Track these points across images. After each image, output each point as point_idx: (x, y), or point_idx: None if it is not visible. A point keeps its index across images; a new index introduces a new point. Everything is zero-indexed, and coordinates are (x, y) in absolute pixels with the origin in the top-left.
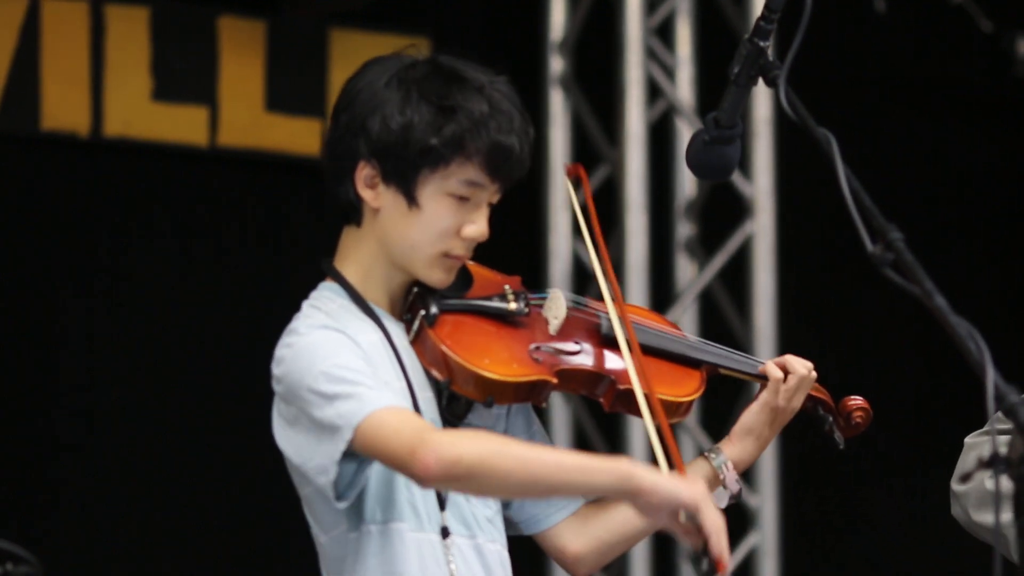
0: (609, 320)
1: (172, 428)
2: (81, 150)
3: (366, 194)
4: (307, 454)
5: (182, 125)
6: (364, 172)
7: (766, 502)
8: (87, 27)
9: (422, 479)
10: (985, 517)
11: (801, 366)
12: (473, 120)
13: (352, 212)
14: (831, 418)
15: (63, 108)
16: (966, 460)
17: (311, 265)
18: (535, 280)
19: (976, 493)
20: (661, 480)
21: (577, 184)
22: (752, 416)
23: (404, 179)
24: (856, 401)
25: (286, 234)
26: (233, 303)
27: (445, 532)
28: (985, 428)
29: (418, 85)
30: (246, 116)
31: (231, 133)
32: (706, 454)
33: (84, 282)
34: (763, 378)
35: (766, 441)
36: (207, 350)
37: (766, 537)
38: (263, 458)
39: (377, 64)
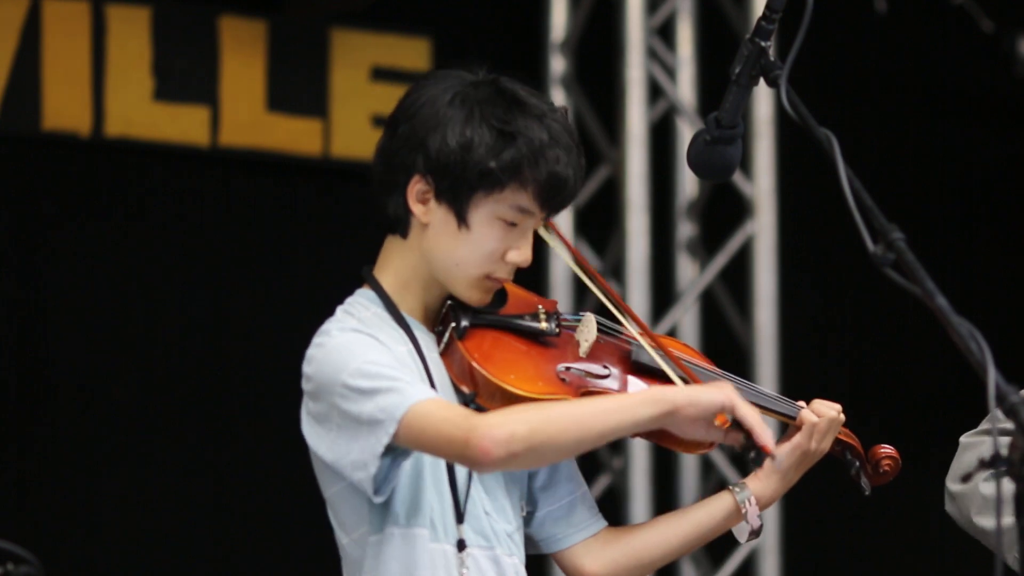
0: (641, 347)
1: (172, 427)
2: (82, 150)
3: (416, 208)
4: (342, 450)
5: (183, 125)
6: (417, 187)
7: None
8: (88, 27)
9: (482, 463)
10: (986, 521)
11: (830, 408)
12: (533, 148)
13: (399, 224)
14: (858, 464)
15: (64, 108)
16: (961, 460)
17: (313, 264)
18: (536, 283)
19: (976, 495)
20: (694, 392)
21: (550, 232)
22: (783, 458)
23: (457, 198)
24: (886, 450)
25: (287, 234)
26: (235, 303)
27: (461, 545)
28: (981, 427)
29: (481, 107)
30: (247, 116)
31: (232, 133)
32: (730, 488)
33: (84, 282)
34: (793, 419)
35: (791, 482)
36: (208, 349)
37: (767, 537)
38: (264, 459)
39: (439, 79)
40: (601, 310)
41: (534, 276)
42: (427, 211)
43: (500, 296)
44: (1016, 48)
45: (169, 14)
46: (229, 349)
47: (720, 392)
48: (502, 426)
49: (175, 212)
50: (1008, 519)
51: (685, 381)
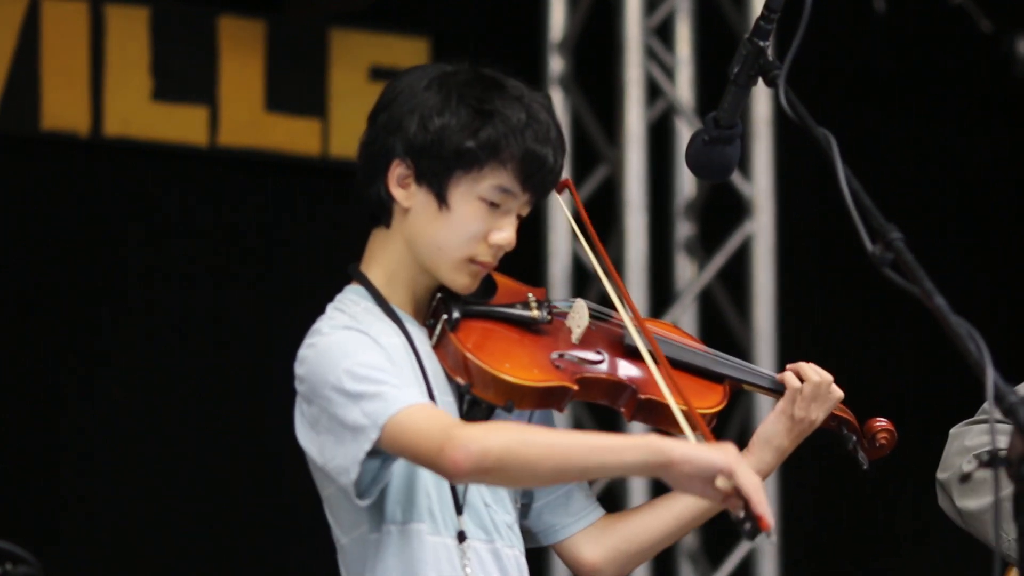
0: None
1: (173, 428)
2: (81, 150)
3: (398, 193)
4: (329, 454)
5: (182, 125)
6: (397, 171)
7: None
8: (87, 27)
9: (452, 475)
10: (967, 503)
11: (815, 374)
12: (510, 126)
13: (382, 212)
14: (855, 438)
15: (63, 108)
16: (950, 449)
17: (311, 264)
18: (534, 280)
19: (956, 479)
20: (692, 449)
21: (569, 199)
22: (769, 426)
23: (437, 179)
24: (881, 423)
25: (286, 234)
26: (233, 303)
27: (462, 536)
28: (975, 418)
29: (458, 89)
30: (246, 116)
31: (231, 133)
32: None
33: (84, 283)
34: (781, 391)
35: (784, 453)
36: (207, 351)
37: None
38: (265, 461)
39: (418, 69)
40: (605, 301)
41: (533, 271)
42: (408, 195)
43: (490, 286)
44: (1015, 48)
45: (168, 14)
46: (228, 348)
47: (721, 454)
48: (478, 440)
49: (174, 212)
50: (987, 499)
51: (685, 366)
